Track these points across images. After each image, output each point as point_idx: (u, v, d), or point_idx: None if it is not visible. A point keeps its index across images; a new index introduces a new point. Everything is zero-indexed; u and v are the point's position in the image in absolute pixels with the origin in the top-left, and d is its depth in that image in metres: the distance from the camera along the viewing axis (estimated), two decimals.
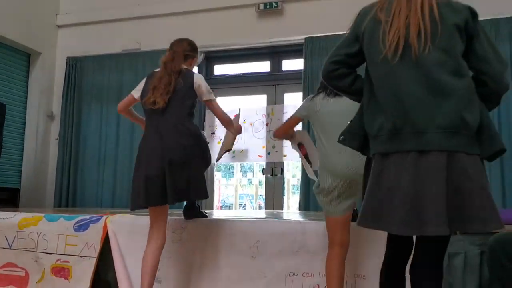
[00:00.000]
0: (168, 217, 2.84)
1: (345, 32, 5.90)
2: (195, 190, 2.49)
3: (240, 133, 3.03)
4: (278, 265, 2.53)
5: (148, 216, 2.59)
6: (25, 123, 6.08)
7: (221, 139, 5.46)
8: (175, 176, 2.43)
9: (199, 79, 2.77)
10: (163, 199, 2.44)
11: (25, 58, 6.14)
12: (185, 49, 2.92)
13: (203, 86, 2.74)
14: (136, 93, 2.87)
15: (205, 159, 2.69)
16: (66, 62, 6.22)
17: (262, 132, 5.58)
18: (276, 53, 5.88)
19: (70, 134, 6.05)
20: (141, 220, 2.91)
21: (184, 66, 2.82)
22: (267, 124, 5.59)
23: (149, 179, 2.47)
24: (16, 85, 6.00)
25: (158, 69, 2.84)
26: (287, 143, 5.48)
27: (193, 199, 2.77)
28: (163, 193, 2.42)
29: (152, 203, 2.46)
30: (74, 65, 6.20)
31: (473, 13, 1.59)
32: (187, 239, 2.72)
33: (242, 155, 5.61)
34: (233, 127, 2.88)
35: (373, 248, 2.37)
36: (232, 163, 6.13)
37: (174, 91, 2.65)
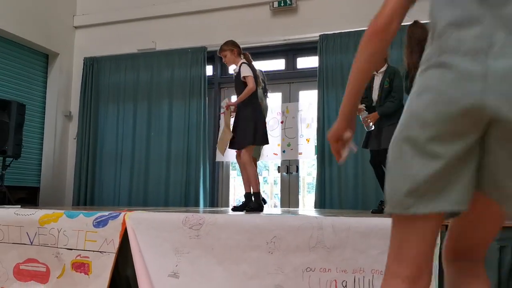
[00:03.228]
0: (185, 213, 2.88)
1: (359, 29, 5.99)
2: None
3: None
4: (295, 260, 2.52)
5: (165, 212, 2.73)
6: (43, 123, 6.20)
7: None
8: None
9: None
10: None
11: (43, 59, 6.25)
12: None
13: None
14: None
15: None
16: (83, 62, 6.32)
17: (277, 130, 5.59)
18: (290, 51, 5.88)
19: (87, 133, 6.14)
20: (159, 216, 2.94)
21: None
22: (282, 122, 5.60)
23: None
24: (35, 85, 6.11)
25: (252, 62, 4.15)
26: (302, 141, 5.49)
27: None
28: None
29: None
30: (91, 65, 6.29)
31: None
32: (204, 234, 2.74)
33: None
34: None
35: None
36: None
37: None
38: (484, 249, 1.27)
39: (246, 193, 3.95)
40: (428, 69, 1.02)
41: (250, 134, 3.85)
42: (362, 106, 3.78)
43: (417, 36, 3.05)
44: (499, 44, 0.94)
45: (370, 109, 3.77)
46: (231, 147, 3.95)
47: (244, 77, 3.91)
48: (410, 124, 1.02)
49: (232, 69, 4.08)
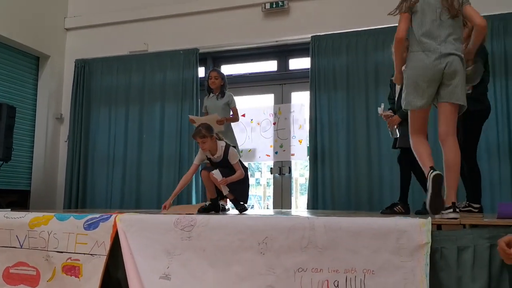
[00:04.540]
0: (177, 215, 2.87)
1: (351, 30, 6.03)
2: None
3: None
4: (287, 261, 2.51)
5: (156, 214, 2.79)
6: (34, 125, 6.15)
7: None
8: None
9: None
10: None
11: (34, 61, 6.21)
12: None
13: None
14: None
15: None
16: (75, 64, 6.29)
17: (270, 131, 5.59)
18: (282, 52, 5.89)
19: (79, 136, 6.11)
20: (151, 218, 2.92)
21: None
22: (274, 124, 5.60)
23: None
24: (26, 88, 6.07)
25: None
26: (295, 142, 5.49)
27: None
28: None
29: None
30: (83, 67, 6.26)
31: None
32: (196, 236, 2.73)
33: (249, 154, 5.62)
34: None
35: (383, 243, 2.36)
36: None
37: None
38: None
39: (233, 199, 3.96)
40: None
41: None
42: (388, 112, 3.68)
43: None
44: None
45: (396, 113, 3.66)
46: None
47: (235, 163, 3.81)
48: None
49: (212, 154, 3.83)
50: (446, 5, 2.71)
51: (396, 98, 3.64)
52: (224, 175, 3.74)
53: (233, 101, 4.71)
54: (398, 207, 3.47)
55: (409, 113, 2.84)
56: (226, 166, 3.80)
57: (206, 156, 3.88)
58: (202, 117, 4.72)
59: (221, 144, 3.82)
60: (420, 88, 2.70)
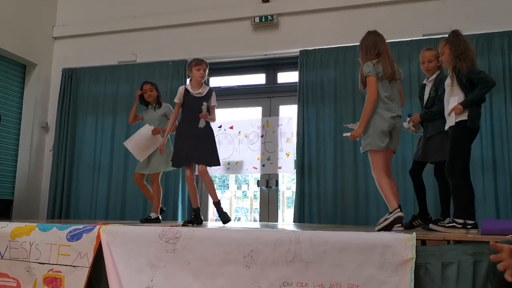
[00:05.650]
0: (162, 227, 2.85)
1: (338, 45, 6.20)
2: None
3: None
4: (272, 274, 2.51)
5: (139, 226, 2.70)
6: (19, 134, 6.07)
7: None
8: None
9: None
10: None
11: (20, 69, 6.16)
12: None
13: None
14: None
15: None
16: (62, 73, 6.24)
17: (257, 144, 5.59)
18: (271, 66, 5.92)
19: (64, 145, 6.04)
20: (135, 230, 2.89)
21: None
22: (262, 136, 5.60)
23: None
24: (11, 96, 6.00)
25: None
26: (282, 155, 5.50)
27: None
28: None
29: None
30: (70, 76, 6.22)
31: None
32: (181, 248, 2.70)
33: (237, 167, 5.61)
34: None
35: (368, 257, 2.37)
36: (227, 175, 6.12)
37: None
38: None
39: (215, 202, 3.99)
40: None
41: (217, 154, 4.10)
42: (409, 125, 3.76)
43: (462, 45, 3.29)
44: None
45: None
46: (198, 162, 4.00)
47: (214, 105, 4.07)
48: None
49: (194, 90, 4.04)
50: (396, 72, 3.38)
51: (425, 102, 3.71)
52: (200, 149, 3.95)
53: (170, 111, 4.58)
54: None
55: (373, 156, 3.30)
56: (199, 110, 3.95)
57: (187, 90, 4.03)
58: (135, 135, 4.60)
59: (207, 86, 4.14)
60: (382, 135, 3.28)
